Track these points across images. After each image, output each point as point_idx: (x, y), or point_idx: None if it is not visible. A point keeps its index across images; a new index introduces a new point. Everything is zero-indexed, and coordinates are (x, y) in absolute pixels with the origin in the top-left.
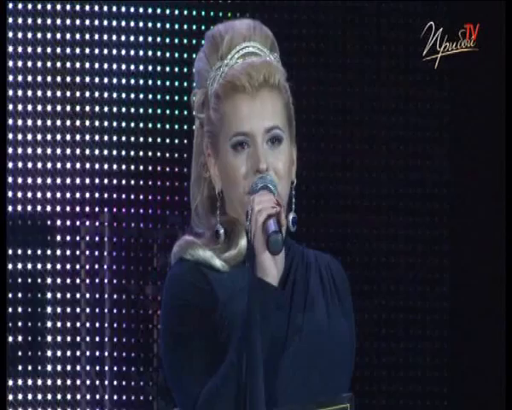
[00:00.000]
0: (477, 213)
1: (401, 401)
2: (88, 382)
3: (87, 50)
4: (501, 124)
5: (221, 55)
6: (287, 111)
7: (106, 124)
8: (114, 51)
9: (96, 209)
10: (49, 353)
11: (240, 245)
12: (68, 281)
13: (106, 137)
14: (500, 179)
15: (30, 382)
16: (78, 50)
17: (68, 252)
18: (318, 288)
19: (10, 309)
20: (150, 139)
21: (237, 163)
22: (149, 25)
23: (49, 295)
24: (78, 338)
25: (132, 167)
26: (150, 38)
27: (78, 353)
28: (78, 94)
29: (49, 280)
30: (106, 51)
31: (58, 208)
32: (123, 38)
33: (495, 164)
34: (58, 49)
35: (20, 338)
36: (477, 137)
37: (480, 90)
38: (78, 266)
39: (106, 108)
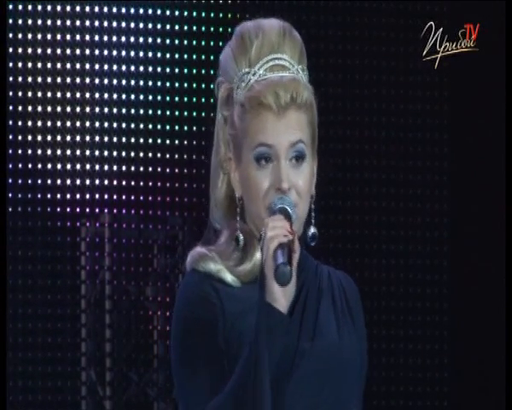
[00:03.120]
0: (477, 214)
1: (401, 401)
2: (88, 383)
3: (87, 51)
4: (501, 124)
5: (249, 60)
6: (311, 127)
7: (106, 125)
8: (114, 52)
9: (97, 210)
10: (49, 354)
11: (254, 259)
12: (68, 282)
13: (106, 138)
14: (500, 179)
15: (30, 383)
16: (78, 51)
17: (68, 253)
18: (330, 307)
19: (11, 311)
20: (150, 140)
21: (259, 178)
22: (149, 26)
23: (49, 296)
24: (78, 339)
25: (132, 168)
26: (150, 39)
27: (78, 354)
28: (78, 95)
29: (49, 281)
30: (106, 52)
31: (58, 209)
32: (123, 38)
33: (495, 164)
34: (58, 50)
35: (19, 339)
36: (477, 137)
37: (480, 90)
38: (78, 267)
39: (106, 109)
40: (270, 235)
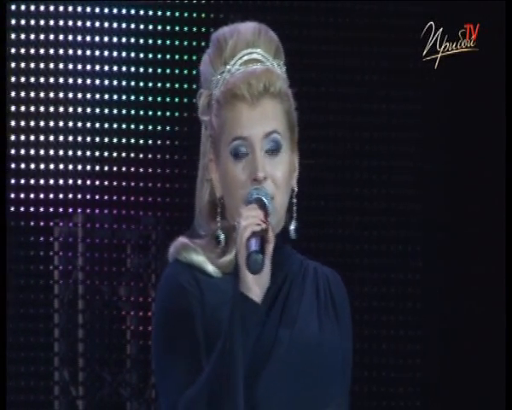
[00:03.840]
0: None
1: (374, 402)
2: (61, 382)
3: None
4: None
5: (224, 59)
6: (288, 118)
7: (79, 125)
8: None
9: (70, 210)
10: (22, 353)
11: (235, 251)
12: (41, 282)
13: (79, 138)
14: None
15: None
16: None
17: (42, 253)
18: (313, 302)
19: None
20: (124, 140)
21: (236, 171)
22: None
23: (21, 295)
24: (51, 339)
25: (106, 168)
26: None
27: (51, 353)
28: (51, 95)
29: (22, 281)
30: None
31: (31, 209)
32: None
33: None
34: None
35: None
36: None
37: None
38: (51, 267)
39: (79, 109)
40: (244, 224)
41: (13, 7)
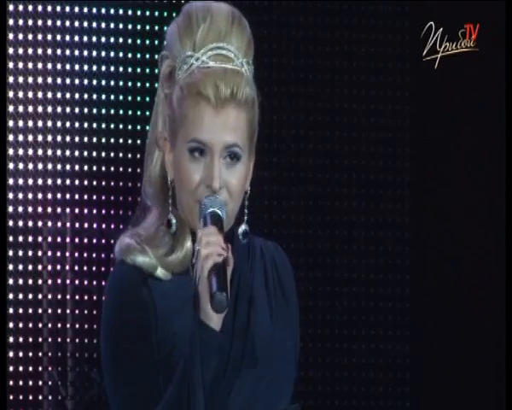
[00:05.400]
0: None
1: (363, 401)
2: (50, 383)
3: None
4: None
5: (194, 44)
6: (250, 127)
7: (68, 124)
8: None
9: (58, 210)
10: (10, 354)
11: (186, 249)
12: (30, 282)
13: (68, 138)
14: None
15: None
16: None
17: (30, 253)
18: (263, 298)
19: None
20: (112, 140)
21: (191, 171)
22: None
23: (11, 295)
24: (40, 339)
25: (94, 168)
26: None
27: (40, 354)
28: (40, 95)
29: (10, 281)
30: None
31: (20, 209)
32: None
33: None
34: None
35: None
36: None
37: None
38: (40, 267)
39: (68, 109)
40: (205, 253)
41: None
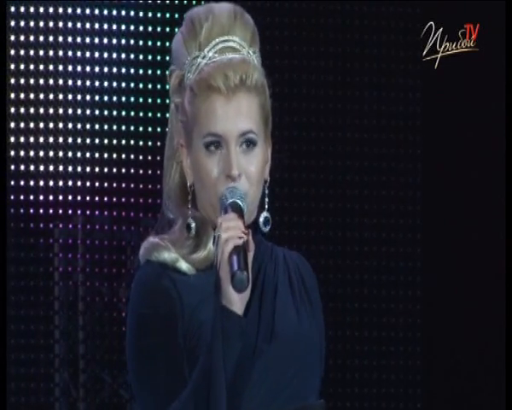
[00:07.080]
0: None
1: (374, 403)
2: (61, 384)
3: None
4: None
5: (199, 44)
6: (263, 112)
7: (79, 126)
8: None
9: (70, 212)
10: (22, 355)
11: (209, 246)
12: (41, 283)
13: (79, 140)
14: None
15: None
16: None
17: (42, 254)
18: (288, 292)
19: None
20: (124, 142)
21: (209, 165)
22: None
23: (22, 297)
24: (51, 341)
25: (105, 170)
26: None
27: (51, 355)
28: (51, 96)
29: (22, 283)
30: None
31: (31, 211)
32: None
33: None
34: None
35: None
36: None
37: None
38: (51, 269)
39: (79, 111)
40: (225, 237)
41: (12, 8)
